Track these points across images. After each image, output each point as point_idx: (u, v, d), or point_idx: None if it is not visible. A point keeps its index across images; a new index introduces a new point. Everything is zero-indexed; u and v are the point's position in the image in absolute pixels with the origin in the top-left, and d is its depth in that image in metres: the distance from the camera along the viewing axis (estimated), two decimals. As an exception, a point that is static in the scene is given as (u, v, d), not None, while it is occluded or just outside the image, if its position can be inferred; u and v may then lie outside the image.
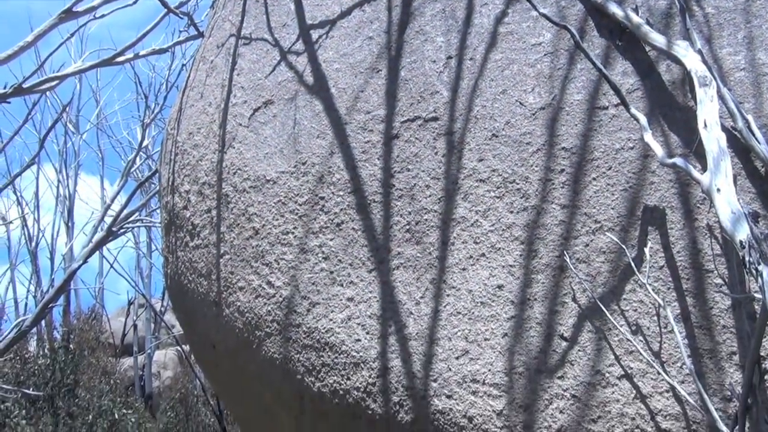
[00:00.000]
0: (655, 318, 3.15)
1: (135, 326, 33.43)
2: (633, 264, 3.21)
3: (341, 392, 3.75)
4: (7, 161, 43.98)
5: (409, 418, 3.54)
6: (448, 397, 3.44)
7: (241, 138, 4.48)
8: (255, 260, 4.19)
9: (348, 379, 3.73)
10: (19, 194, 28.79)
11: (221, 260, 4.41)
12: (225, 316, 4.35)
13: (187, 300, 4.89)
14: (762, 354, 2.89)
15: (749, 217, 2.68)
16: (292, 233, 4.06)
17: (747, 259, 2.53)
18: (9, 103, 7.24)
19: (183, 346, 25.62)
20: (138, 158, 17.34)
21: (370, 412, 3.66)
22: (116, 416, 18.63)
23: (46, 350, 21.95)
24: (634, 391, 3.09)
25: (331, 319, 3.83)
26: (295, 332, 3.95)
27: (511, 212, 3.52)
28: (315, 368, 3.85)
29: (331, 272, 3.90)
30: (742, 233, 2.61)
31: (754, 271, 2.51)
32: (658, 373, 3.06)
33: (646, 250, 3.21)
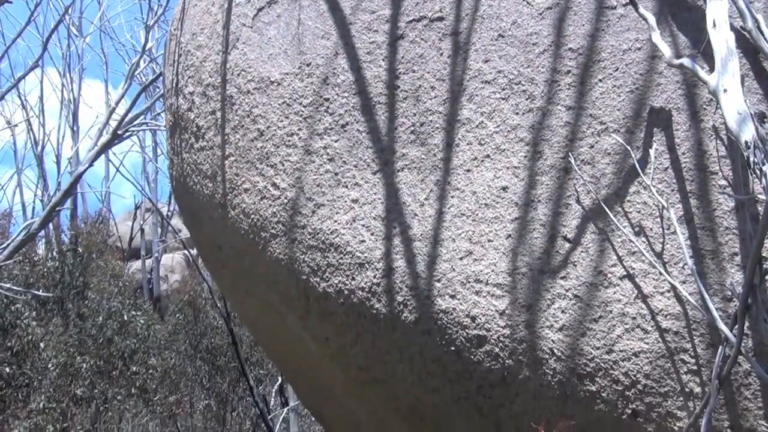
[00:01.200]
0: (659, 219, 3.16)
1: (142, 230, 33.68)
2: (638, 165, 3.20)
3: (346, 292, 3.80)
4: (11, 64, 43.64)
5: (413, 318, 3.59)
6: (452, 297, 3.48)
7: (244, 39, 4.43)
8: (260, 162, 4.19)
9: (353, 279, 3.77)
10: (23, 98, 28.66)
11: (226, 162, 4.41)
12: (230, 218, 4.37)
13: (192, 202, 4.91)
14: (763, 254, 2.91)
15: (755, 118, 2.66)
16: (297, 135, 4.05)
17: (751, 159, 2.53)
18: (11, 2, 7.15)
19: (190, 250, 25.83)
20: (142, 61, 17.14)
21: (374, 311, 3.71)
22: (125, 318, 18.91)
23: (54, 253, 22.15)
24: (636, 291, 3.12)
25: (335, 221, 3.85)
26: (300, 233, 3.97)
27: (517, 114, 3.50)
28: (320, 269, 3.89)
29: (336, 174, 3.90)
30: (748, 134, 2.60)
31: (758, 172, 2.51)
32: (660, 274, 3.08)
33: (651, 151, 3.20)
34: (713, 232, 3.06)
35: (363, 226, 3.78)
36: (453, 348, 3.47)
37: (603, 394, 3.14)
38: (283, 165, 4.08)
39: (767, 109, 3.03)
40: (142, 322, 19.67)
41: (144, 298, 26.65)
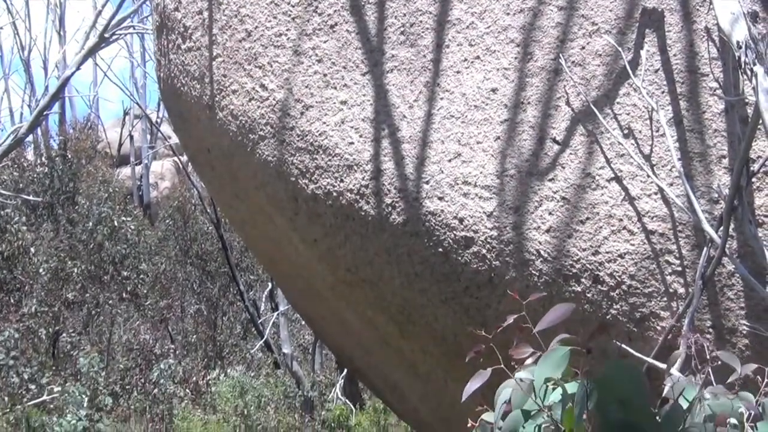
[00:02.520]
0: (648, 122, 3.15)
1: (131, 136, 33.49)
2: (628, 67, 3.18)
3: (335, 194, 3.80)
4: (-6, -33, 42.69)
5: (401, 220, 3.60)
6: (440, 198, 3.48)
7: (231, -64, 4.32)
8: (248, 63, 4.14)
9: (341, 181, 3.77)
10: (8, 1, 28.09)
11: (214, 63, 4.35)
12: (219, 120, 4.34)
13: (180, 104, 4.87)
14: (751, 156, 2.91)
15: (748, 18, 2.63)
16: (285, 35, 3.99)
17: (743, 59, 2.51)
18: None
19: (180, 156, 25.75)
20: (128, -38, 16.78)
21: (362, 213, 3.72)
22: (116, 223, 18.95)
23: (43, 159, 22.08)
24: (623, 193, 3.13)
25: (324, 122, 3.83)
26: (289, 135, 3.95)
27: (508, 14, 3.45)
28: (309, 170, 3.88)
29: (325, 75, 3.86)
30: (740, 33, 2.57)
31: (749, 72, 2.49)
32: (648, 176, 3.09)
33: (643, 53, 3.17)
34: (702, 135, 3.06)
35: (352, 127, 3.76)
36: (440, 249, 3.49)
37: (588, 295, 3.18)
38: (272, 66, 4.04)
39: (761, 9, 2.99)
40: (132, 227, 19.74)
41: (134, 204, 26.64)
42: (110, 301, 19.14)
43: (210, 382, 17.75)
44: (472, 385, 2.15)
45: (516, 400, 2.00)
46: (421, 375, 4.25)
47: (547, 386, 2.00)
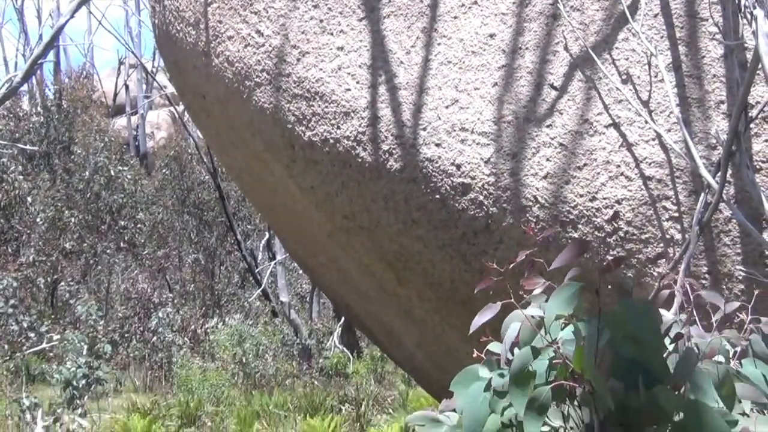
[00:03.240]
0: (646, 67, 3.12)
1: (126, 86, 33.27)
2: (627, 12, 3.14)
3: (331, 141, 3.78)
4: None
5: (398, 166, 3.59)
6: (437, 145, 3.47)
7: None
8: (243, 8, 4.09)
9: (338, 128, 3.75)
10: (0, -50, 27.75)
11: (209, 8, 4.30)
12: (214, 66, 4.30)
13: (176, 50, 4.82)
14: (749, 101, 2.89)
15: (749, -40, 2.60)
16: (281, -20, 3.94)
17: (743, 2, 2.48)
18: None
19: (176, 106, 25.62)
20: None
21: (359, 160, 3.70)
22: (112, 173, 18.93)
23: (39, 108, 21.96)
24: (621, 139, 3.12)
25: (321, 69, 3.80)
26: (285, 82, 3.92)
27: (506, -42, 3.40)
28: (305, 117, 3.86)
29: (321, 21, 3.82)
30: (741, -24, 2.54)
31: (748, 15, 2.47)
32: (646, 122, 3.07)
33: (642, -3, 3.14)
34: (700, 80, 3.03)
35: (348, 74, 3.73)
36: (438, 196, 3.49)
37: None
38: (267, 12, 3.99)
39: (762, -48, 2.95)
40: (129, 177, 19.72)
41: (130, 154, 26.56)
42: (108, 251, 19.19)
43: (208, 330, 17.87)
44: (481, 318, 2.13)
45: (525, 336, 1.99)
46: (417, 321, 4.27)
47: (558, 323, 1.99)
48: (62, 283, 17.63)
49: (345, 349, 17.87)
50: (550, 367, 1.95)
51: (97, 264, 19.58)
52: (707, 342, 2.02)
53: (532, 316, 2.01)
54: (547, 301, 2.02)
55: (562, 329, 1.98)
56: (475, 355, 2.26)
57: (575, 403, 1.96)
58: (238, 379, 14.29)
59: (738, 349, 2.13)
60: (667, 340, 1.97)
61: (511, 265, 2.23)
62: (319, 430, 9.97)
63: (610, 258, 3.11)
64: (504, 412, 2.05)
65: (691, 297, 2.28)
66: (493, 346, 2.22)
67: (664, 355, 1.91)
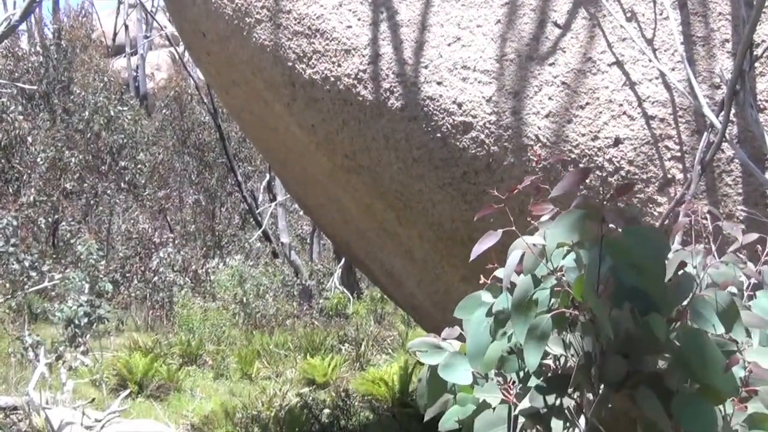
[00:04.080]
0: (651, 4, 3.08)
1: (126, 26, 32.93)
2: (633, -53, 3.09)
3: (332, 79, 3.74)
4: None
5: (399, 105, 3.56)
6: (439, 83, 3.44)
7: None
8: (243, -57, 4.02)
9: (339, 66, 3.71)
10: None
11: (208, -57, 4.23)
12: (214, 3, 4.24)
13: (174, -13, 4.76)
14: (755, 40, 2.86)
15: None
16: None
17: (751, -63, 2.43)
18: None
19: (176, 47, 25.39)
20: None
21: (360, 98, 3.67)
22: (112, 113, 18.81)
23: (38, 47, 21.76)
24: (624, 78, 3.09)
25: (321, 5, 3.75)
26: (286, 18, 3.87)
27: None
28: (306, 55, 3.82)
29: (322, -44, 3.76)
30: None
31: (757, -49, 2.42)
32: (650, 60, 3.04)
33: (649, -68, 3.08)
34: (706, 18, 2.99)
35: (350, 11, 3.68)
36: (439, 135, 3.46)
37: (586, 181, 3.16)
38: (267, -53, 3.92)
39: None
40: (129, 117, 19.60)
41: (130, 95, 26.40)
42: (108, 191, 19.17)
43: (209, 270, 17.93)
44: (481, 246, 2.10)
45: (527, 264, 1.96)
46: (417, 261, 4.28)
47: (561, 251, 1.96)
48: (63, 223, 17.64)
49: (345, 290, 17.94)
50: (552, 295, 1.94)
51: (98, 204, 19.58)
52: (721, 273, 2.00)
53: (535, 244, 1.99)
54: (552, 228, 1.99)
55: (564, 257, 1.96)
56: (481, 281, 2.25)
57: (576, 331, 1.96)
58: (238, 319, 14.36)
59: (753, 281, 2.12)
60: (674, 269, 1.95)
61: (515, 192, 2.21)
62: (319, 369, 10.06)
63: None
64: (506, 339, 2.05)
65: (710, 226, 2.26)
66: (499, 272, 2.20)
67: (666, 283, 1.89)
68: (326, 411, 7.69)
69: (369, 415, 8.23)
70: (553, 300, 1.94)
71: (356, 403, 8.43)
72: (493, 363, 2.09)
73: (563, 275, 1.94)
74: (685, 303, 1.85)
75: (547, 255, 1.94)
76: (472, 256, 2.08)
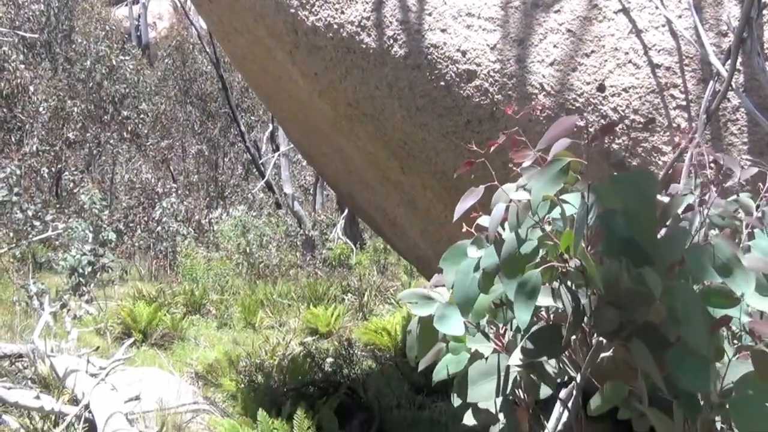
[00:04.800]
0: (659, -50, 3.04)
1: (127, -27, 32.62)
2: None
3: (335, 26, 3.71)
4: None
5: (402, 52, 3.53)
6: (443, 31, 3.40)
7: None
8: None
9: (342, 12, 3.67)
10: None
11: None
12: (216, -51, 4.20)
13: (175, -68, 4.70)
14: (764, -13, 2.83)
15: None
16: None
17: None
18: None
19: (178, -6, 25.19)
20: None
21: (363, 46, 3.64)
22: (114, 62, 18.73)
23: (38, -5, 21.59)
24: (630, 26, 3.06)
25: (324, -49, 3.70)
26: (288, -36, 3.82)
27: None
28: (308, 2, 3.78)
29: None
30: None
31: None
32: (656, 8, 3.00)
33: None
34: (714, -36, 2.95)
35: (353, -44, 3.63)
36: (442, 83, 3.44)
37: (591, 130, 3.14)
38: None
39: None
40: (131, 67, 19.51)
41: (132, 44, 26.22)
42: (111, 141, 19.16)
43: (212, 221, 17.98)
44: (464, 204, 2.06)
45: (512, 220, 1.91)
46: (420, 210, 4.28)
47: (546, 203, 1.90)
48: (66, 173, 17.66)
49: (348, 240, 18.00)
50: (540, 246, 1.89)
51: (100, 154, 19.59)
52: (722, 207, 1.96)
53: (519, 201, 1.93)
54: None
55: (550, 208, 1.90)
56: (464, 230, 2.21)
57: (567, 282, 1.93)
58: (242, 268, 14.43)
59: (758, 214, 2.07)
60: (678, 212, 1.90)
61: (493, 147, 2.17)
62: (322, 319, 10.13)
63: (612, 149, 3.08)
64: (494, 292, 2.02)
65: (708, 162, 2.23)
66: (483, 220, 2.16)
67: (660, 235, 1.84)
68: (329, 360, 7.75)
69: (372, 365, 8.31)
70: (541, 252, 1.90)
71: (359, 353, 8.50)
72: (483, 314, 2.08)
73: (551, 227, 1.89)
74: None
75: (532, 208, 1.88)
76: (455, 216, 2.05)
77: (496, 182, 2.03)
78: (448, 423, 6.26)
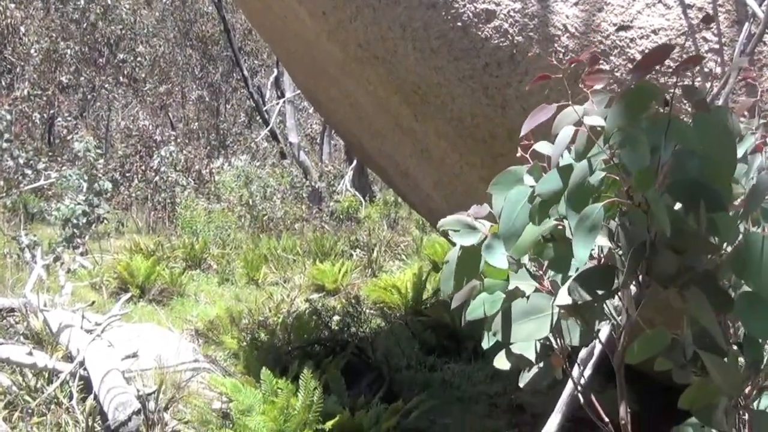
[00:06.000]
0: None
1: None
2: None
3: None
4: None
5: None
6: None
7: None
8: None
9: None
10: None
11: None
12: None
13: None
14: None
15: None
16: None
17: None
18: None
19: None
20: None
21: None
22: (109, 2, 18.63)
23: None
24: (661, -38, 3.02)
25: None
26: None
27: None
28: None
29: None
30: None
31: None
32: (690, -57, 2.97)
33: None
34: None
35: None
36: (459, 23, 3.41)
37: (617, 74, 3.13)
38: None
39: None
40: (127, 6, 19.42)
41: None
42: (106, 86, 19.13)
43: (213, 171, 17.99)
44: (533, 120, 1.98)
45: (579, 147, 1.86)
46: (434, 160, 4.27)
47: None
48: (59, 119, 17.67)
49: (357, 192, 18.01)
50: (602, 181, 1.83)
51: (95, 99, 19.58)
52: None
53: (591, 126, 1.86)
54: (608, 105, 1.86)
55: (622, 141, 1.84)
56: (519, 155, 2.15)
57: (626, 222, 1.89)
58: (244, 221, 14.47)
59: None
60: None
61: (572, 64, 2.10)
62: (329, 275, 10.16)
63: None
64: (545, 225, 1.97)
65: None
66: (541, 146, 2.10)
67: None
68: (336, 318, 7.78)
69: (380, 323, 8.35)
70: (603, 187, 1.85)
71: (367, 311, 8.53)
72: (528, 248, 2.03)
73: (620, 160, 1.84)
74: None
75: (605, 135, 1.81)
76: (523, 131, 1.99)
77: (569, 102, 1.95)
78: (460, 384, 6.30)
